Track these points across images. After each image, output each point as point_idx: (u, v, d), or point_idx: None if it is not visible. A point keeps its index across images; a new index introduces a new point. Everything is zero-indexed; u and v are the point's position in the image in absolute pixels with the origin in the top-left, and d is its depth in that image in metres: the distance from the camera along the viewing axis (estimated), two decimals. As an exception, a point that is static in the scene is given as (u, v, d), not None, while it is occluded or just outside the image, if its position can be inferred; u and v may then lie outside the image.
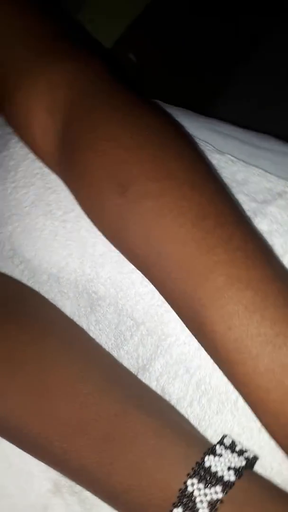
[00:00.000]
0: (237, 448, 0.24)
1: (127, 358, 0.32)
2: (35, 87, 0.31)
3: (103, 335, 0.34)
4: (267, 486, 0.23)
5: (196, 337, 0.25)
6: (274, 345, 0.21)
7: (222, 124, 0.38)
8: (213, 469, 0.23)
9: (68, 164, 0.30)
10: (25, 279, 0.38)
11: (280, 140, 0.36)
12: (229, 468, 0.23)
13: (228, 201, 0.26)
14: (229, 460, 0.23)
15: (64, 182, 0.34)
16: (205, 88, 0.98)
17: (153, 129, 0.27)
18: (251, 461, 0.24)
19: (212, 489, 0.22)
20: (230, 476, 0.22)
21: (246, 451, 0.24)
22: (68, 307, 0.36)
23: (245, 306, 0.22)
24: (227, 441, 0.25)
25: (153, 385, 0.30)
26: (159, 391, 0.30)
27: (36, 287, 0.37)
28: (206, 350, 0.25)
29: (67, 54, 0.31)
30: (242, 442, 0.26)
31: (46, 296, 0.36)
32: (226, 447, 0.24)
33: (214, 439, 0.27)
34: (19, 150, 0.41)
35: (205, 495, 0.22)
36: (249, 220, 0.28)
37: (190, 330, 0.26)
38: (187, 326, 0.26)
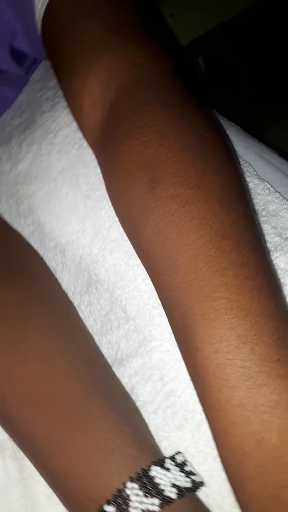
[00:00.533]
0: (186, 469, 0.24)
1: (108, 348, 0.32)
2: (97, 62, 0.30)
3: (91, 318, 0.33)
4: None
5: (180, 349, 0.25)
6: (254, 382, 0.21)
7: (271, 153, 0.37)
8: (156, 481, 0.22)
9: (107, 145, 0.30)
10: (32, 241, 0.38)
11: None
12: (173, 485, 0.22)
13: (252, 227, 0.25)
14: (175, 477, 0.23)
15: (98, 160, 0.34)
16: (264, 113, 0.97)
17: (199, 137, 0.27)
18: (196, 485, 0.24)
19: (150, 500, 0.22)
20: (171, 493, 0.22)
21: (194, 474, 0.24)
22: (65, 281, 0.35)
23: (238, 335, 0.22)
24: (179, 458, 0.24)
25: (125, 381, 0.30)
26: (128, 389, 0.29)
27: (40, 252, 0.37)
28: (186, 365, 0.24)
29: (138, 40, 0.31)
30: (194, 464, 0.25)
31: (48, 263, 0.36)
32: (176, 464, 0.24)
33: (167, 452, 0.26)
34: (64, 116, 0.41)
35: (141, 503, 0.22)
36: (268, 253, 0.28)
37: (176, 341, 0.25)
38: (174, 335, 0.26)
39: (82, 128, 0.35)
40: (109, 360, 0.31)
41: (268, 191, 0.33)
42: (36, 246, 0.37)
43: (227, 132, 0.40)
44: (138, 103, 0.29)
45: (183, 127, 0.27)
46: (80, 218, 0.37)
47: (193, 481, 0.23)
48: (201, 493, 0.25)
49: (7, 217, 0.39)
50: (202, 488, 0.25)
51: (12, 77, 0.47)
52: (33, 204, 0.39)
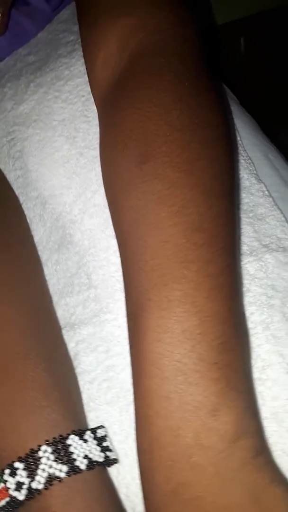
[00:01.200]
0: (104, 444, 0.24)
1: (64, 310, 0.32)
2: (121, 17, 0.29)
3: (55, 277, 0.33)
4: (109, 489, 0.23)
5: (128, 329, 0.25)
6: (186, 379, 0.21)
7: (277, 156, 0.36)
8: (71, 449, 0.22)
9: (110, 107, 0.29)
10: (16, 185, 0.36)
11: None
12: (85, 456, 0.23)
13: (229, 226, 0.24)
14: (90, 449, 0.23)
15: (99, 119, 0.32)
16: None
17: (203, 120, 0.25)
18: (109, 461, 0.24)
19: (59, 466, 0.22)
20: (81, 463, 0.22)
21: (110, 450, 0.24)
22: (39, 234, 0.35)
23: (184, 329, 0.21)
24: (99, 433, 0.25)
25: (71, 346, 0.30)
26: (72, 354, 0.29)
27: (21, 199, 0.36)
28: (130, 345, 0.24)
29: (168, 5, 0.29)
30: (114, 441, 0.26)
31: (26, 212, 0.35)
32: (95, 437, 0.24)
33: (92, 423, 0.26)
34: (80, 65, 0.39)
35: (50, 467, 0.22)
36: (239, 256, 0.27)
37: (127, 318, 0.25)
38: (126, 313, 0.25)
39: (91, 82, 0.34)
40: (62, 322, 0.31)
41: (262, 193, 0.32)
42: (18, 192, 0.36)
43: (241, 123, 0.38)
44: (150, 71, 0.27)
45: (189, 107, 0.26)
46: (69, 174, 0.36)
47: (106, 457, 0.24)
48: (113, 469, 0.25)
49: (-4, 156, 0.38)
50: (116, 465, 0.25)
51: (37, 11, 0.45)
52: (26, 148, 0.38)
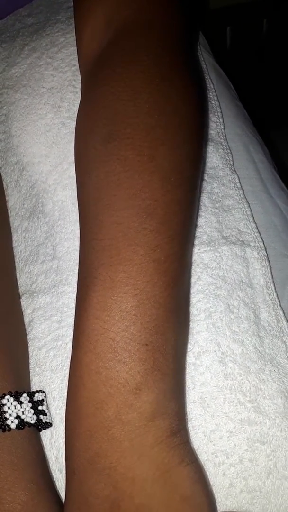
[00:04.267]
0: (40, 408, 0.25)
1: (26, 277, 0.32)
2: None
3: (23, 244, 0.34)
4: (36, 450, 0.24)
5: (75, 302, 0.26)
6: (115, 356, 0.21)
7: (257, 148, 0.36)
8: (4, 409, 0.24)
9: (90, 82, 0.29)
10: (-3, 149, 0.37)
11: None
12: (17, 417, 0.24)
13: (183, 214, 0.25)
14: (23, 411, 0.24)
15: (82, 91, 0.32)
16: (276, 107, 0.93)
17: (172, 104, 0.25)
18: (42, 425, 0.25)
19: (-11, 422, 0.23)
20: (12, 423, 0.24)
21: (45, 414, 0.26)
22: (13, 200, 0.35)
23: (121, 309, 0.22)
24: (37, 397, 0.26)
25: (27, 312, 0.31)
26: (26, 321, 0.30)
27: (0, 164, 0.36)
28: (74, 318, 0.25)
29: None
30: (52, 406, 0.27)
31: (3, 176, 0.36)
32: (30, 400, 0.25)
33: (35, 387, 0.28)
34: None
35: (-19, 422, 0.23)
36: (190, 245, 0.27)
37: (77, 291, 0.26)
38: (77, 287, 0.26)
39: (78, 53, 0.34)
40: (23, 289, 0.32)
41: (233, 185, 0.32)
42: (-2, 156, 0.37)
43: (228, 111, 0.38)
44: (128, 50, 0.27)
45: (159, 90, 0.26)
46: (49, 143, 0.36)
47: (39, 420, 0.25)
48: (48, 432, 0.26)
49: (-19, 117, 0.38)
50: (50, 429, 0.26)
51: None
52: (11, 112, 0.38)
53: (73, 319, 0.30)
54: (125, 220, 0.24)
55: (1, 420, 0.23)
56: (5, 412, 0.24)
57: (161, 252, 0.23)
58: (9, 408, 0.24)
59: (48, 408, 0.27)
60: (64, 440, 0.26)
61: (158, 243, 0.23)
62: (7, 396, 0.24)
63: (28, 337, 0.30)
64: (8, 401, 0.24)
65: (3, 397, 0.24)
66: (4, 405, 0.24)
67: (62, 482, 0.25)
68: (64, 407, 0.27)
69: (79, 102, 0.36)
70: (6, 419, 0.24)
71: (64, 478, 0.25)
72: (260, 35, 0.92)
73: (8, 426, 0.23)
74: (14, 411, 0.24)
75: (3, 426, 0.23)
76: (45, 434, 0.26)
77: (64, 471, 0.26)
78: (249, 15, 0.89)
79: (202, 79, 0.36)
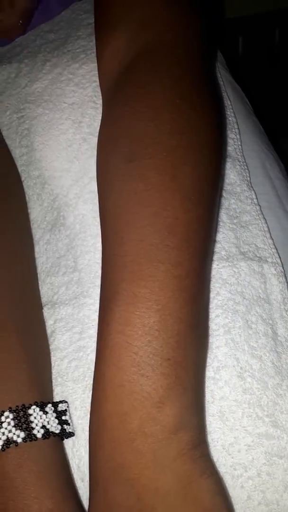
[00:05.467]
0: (63, 417, 0.26)
1: (48, 288, 0.33)
2: (133, 12, 0.30)
3: (44, 256, 0.35)
4: (60, 459, 0.25)
5: (98, 316, 0.26)
6: (138, 370, 0.22)
7: (274, 165, 0.36)
8: (31, 419, 0.25)
9: (111, 101, 0.30)
10: (19, 163, 0.38)
11: None
12: (43, 426, 0.25)
13: (203, 231, 0.26)
14: (48, 420, 0.25)
15: (102, 109, 0.33)
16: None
17: (192, 124, 0.26)
18: (66, 434, 0.26)
19: (17, 432, 0.24)
20: (38, 432, 0.24)
21: (68, 424, 0.26)
22: (35, 212, 0.36)
23: (143, 324, 0.23)
24: (60, 407, 0.27)
25: (49, 323, 0.32)
26: (49, 331, 0.31)
27: (23, 176, 0.37)
28: (97, 332, 0.26)
29: (179, 7, 0.30)
30: (74, 416, 0.28)
31: (26, 190, 0.37)
32: (55, 410, 0.26)
33: (57, 397, 0.29)
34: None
35: (9, 431, 0.24)
36: (210, 261, 0.28)
37: (99, 305, 0.27)
38: (100, 301, 0.27)
39: (99, 71, 0.35)
40: (45, 300, 0.33)
41: (251, 201, 0.33)
42: (21, 169, 0.38)
43: (245, 127, 0.39)
44: (149, 71, 0.28)
45: (180, 111, 0.27)
46: (70, 158, 0.37)
47: (63, 430, 0.26)
48: (70, 441, 0.27)
49: (5, 132, 0.39)
50: (72, 438, 0.27)
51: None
52: (34, 127, 0.39)
53: (94, 331, 0.31)
54: (147, 237, 0.25)
55: (28, 429, 0.24)
56: (31, 422, 0.25)
57: (182, 268, 0.24)
58: (35, 418, 0.25)
59: (70, 418, 0.27)
60: (86, 449, 0.27)
61: (179, 259, 0.24)
62: (33, 406, 0.25)
63: (50, 348, 0.31)
64: (34, 411, 0.25)
65: (29, 407, 0.25)
66: (31, 415, 0.25)
67: (84, 491, 0.26)
68: (86, 417, 0.28)
69: (100, 118, 0.37)
70: (33, 428, 0.24)
71: (86, 487, 0.26)
72: (272, 44, 0.93)
73: (35, 435, 0.24)
74: (40, 421, 0.25)
75: (30, 436, 0.24)
76: (67, 444, 0.27)
77: (86, 480, 0.26)
78: (261, 25, 0.90)
79: (220, 97, 0.37)
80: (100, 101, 0.38)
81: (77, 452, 0.27)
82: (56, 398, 0.29)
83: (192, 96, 0.28)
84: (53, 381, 0.29)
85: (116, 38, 0.31)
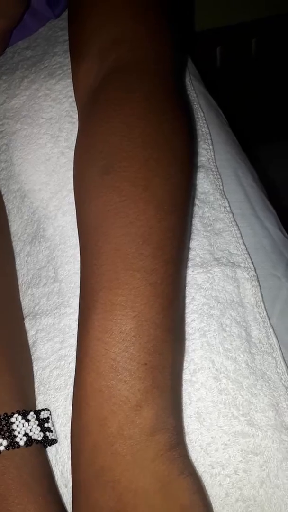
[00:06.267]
0: (46, 425, 0.27)
1: (29, 300, 0.34)
2: (105, 30, 0.31)
3: (25, 268, 0.35)
4: (43, 465, 0.26)
5: (77, 325, 0.27)
6: (117, 375, 0.23)
7: (246, 173, 0.38)
8: (13, 427, 0.25)
9: (86, 117, 0.31)
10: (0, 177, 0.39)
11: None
12: (25, 434, 0.25)
13: (177, 239, 0.27)
14: (31, 428, 0.26)
15: (78, 124, 0.35)
16: (267, 126, 0.96)
17: (164, 137, 0.28)
18: (48, 441, 0.27)
19: (0, 440, 0.25)
20: (20, 440, 0.25)
21: (51, 431, 0.27)
22: (16, 225, 0.37)
23: (121, 331, 0.24)
24: (43, 415, 0.27)
25: (31, 334, 0.32)
26: (31, 341, 0.32)
27: (2, 191, 0.38)
28: (77, 340, 0.27)
29: (151, 24, 0.31)
30: (56, 424, 0.28)
31: (6, 204, 0.38)
32: (37, 418, 0.27)
33: (40, 405, 0.29)
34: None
35: (-9, 440, 0.25)
36: (184, 267, 0.29)
37: (78, 314, 0.28)
38: (79, 310, 0.28)
39: (74, 87, 0.36)
40: (26, 311, 0.33)
41: (223, 209, 0.34)
42: (1, 184, 0.38)
43: (217, 137, 0.40)
44: (123, 87, 0.29)
45: (152, 125, 0.28)
46: (49, 171, 0.38)
47: (45, 437, 0.26)
48: (53, 448, 0.28)
49: (-16, 147, 0.40)
50: (56, 445, 0.28)
51: (41, 15, 0.47)
52: (13, 142, 0.40)
53: (75, 340, 0.31)
54: (123, 247, 0.26)
55: (11, 437, 0.25)
56: (14, 430, 0.25)
57: (157, 275, 0.25)
58: (17, 426, 0.25)
59: (53, 425, 0.28)
60: (68, 455, 0.28)
61: (154, 267, 0.25)
62: (16, 415, 0.26)
63: (32, 358, 0.31)
64: (16, 419, 0.25)
65: (11, 416, 0.25)
66: (13, 423, 0.25)
67: (68, 496, 0.27)
68: (68, 424, 0.29)
69: (76, 132, 0.38)
70: (15, 436, 0.25)
71: (70, 492, 0.27)
72: (249, 55, 0.96)
73: (17, 443, 0.25)
74: (22, 428, 0.25)
75: (12, 443, 0.25)
76: (50, 451, 0.28)
77: (69, 486, 0.27)
78: (238, 36, 0.92)
79: (191, 110, 0.39)
80: (76, 116, 0.39)
81: (60, 458, 0.28)
82: (39, 407, 0.29)
83: (163, 110, 0.29)
84: (36, 390, 0.30)
85: (89, 55, 0.33)
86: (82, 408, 0.24)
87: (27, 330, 0.32)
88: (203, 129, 0.39)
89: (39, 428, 0.26)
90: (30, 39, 0.48)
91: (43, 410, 0.28)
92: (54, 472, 0.27)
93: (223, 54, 0.93)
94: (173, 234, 0.26)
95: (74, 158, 0.32)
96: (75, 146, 0.33)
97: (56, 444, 0.28)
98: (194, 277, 0.30)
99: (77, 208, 0.30)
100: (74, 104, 0.40)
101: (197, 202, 0.35)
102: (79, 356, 0.25)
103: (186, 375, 0.27)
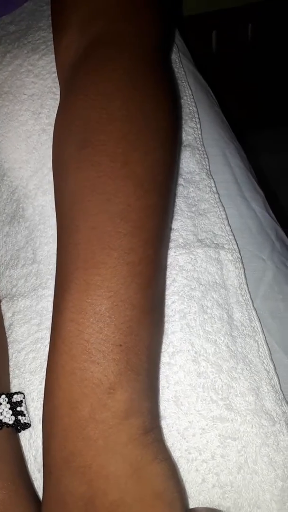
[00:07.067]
0: (18, 409, 0.26)
1: (7, 281, 0.33)
2: (84, 3, 0.29)
3: (4, 248, 0.34)
4: (14, 450, 0.25)
5: (53, 301, 0.26)
6: (90, 357, 0.22)
7: (234, 153, 0.37)
8: (-17, 410, 0.24)
9: (66, 90, 0.30)
10: (-22, 155, 0.37)
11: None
12: (-5, 418, 0.25)
13: (157, 218, 0.25)
14: (1, 412, 0.25)
15: (60, 98, 0.33)
16: (260, 112, 0.95)
17: (145, 111, 0.26)
18: (21, 425, 0.26)
19: None
20: (-11, 423, 0.24)
21: (24, 415, 0.26)
22: (-6, 205, 0.36)
23: (95, 311, 0.23)
24: (16, 398, 0.26)
25: (7, 316, 0.31)
26: (7, 323, 0.31)
27: (-18, 170, 0.37)
28: (52, 321, 0.26)
29: (133, 4, 0.30)
30: (30, 407, 0.27)
31: (-16, 182, 0.36)
32: (9, 401, 0.26)
33: (14, 388, 0.28)
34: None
35: None
36: (164, 247, 0.28)
37: (54, 294, 0.26)
38: (54, 290, 0.27)
39: (56, 62, 0.34)
40: (3, 292, 0.32)
41: (209, 189, 0.33)
42: (-20, 162, 0.37)
43: (206, 116, 0.39)
44: (101, 60, 0.28)
45: (132, 98, 0.26)
46: (30, 149, 0.37)
47: (17, 421, 0.25)
48: (27, 432, 0.27)
49: None
50: (29, 429, 0.27)
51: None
52: (-8, 119, 0.38)
53: (49, 323, 0.30)
54: (100, 225, 0.24)
55: (-21, 420, 0.24)
56: (-17, 413, 0.24)
57: (135, 255, 0.24)
58: (-13, 409, 0.24)
59: (27, 409, 0.27)
60: (42, 440, 0.27)
61: (132, 246, 0.24)
62: (-14, 398, 0.25)
63: (8, 340, 0.30)
64: (-14, 403, 0.25)
65: (-19, 399, 0.25)
66: (-18, 406, 0.24)
67: (41, 482, 0.26)
68: (41, 408, 0.28)
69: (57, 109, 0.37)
70: (-16, 420, 0.24)
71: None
72: (246, 39, 0.94)
73: (-14, 426, 0.24)
74: (-8, 412, 0.25)
75: (-19, 427, 0.24)
76: (24, 435, 0.27)
77: (42, 471, 0.26)
78: (234, 20, 0.90)
79: (175, 85, 0.37)
80: (59, 92, 0.38)
81: (34, 443, 0.27)
82: (13, 390, 0.28)
83: (144, 83, 0.27)
84: (11, 373, 0.29)
85: (69, 28, 0.31)
86: (53, 391, 0.23)
87: (3, 312, 0.31)
88: (190, 108, 0.38)
89: (10, 412, 0.25)
90: (15, 14, 0.46)
91: (16, 393, 0.27)
92: (28, 457, 0.26)
93: (218, 38, 0.91)
94: (153, 213, 0.25)
95: (54, 133, 0.31)
96: (55, 121, 0.31)
97: (30, 429, 0.27)
98: (176, 258, 0.29)
99: (55, 185, 0.29)
100: (57, 80, 0.38)
101: (182, 181, 0.33)
102: (52, 337, 0.24)
103: (164, 358, 0.26)
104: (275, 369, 0.27)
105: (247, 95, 0.96)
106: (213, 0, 0.86)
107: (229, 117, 0.42)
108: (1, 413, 0.25)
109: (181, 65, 0.42)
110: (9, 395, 0.26)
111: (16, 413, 0.26)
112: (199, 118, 0.38)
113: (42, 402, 0.28)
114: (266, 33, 0.92)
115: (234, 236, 0.31)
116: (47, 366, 0.24)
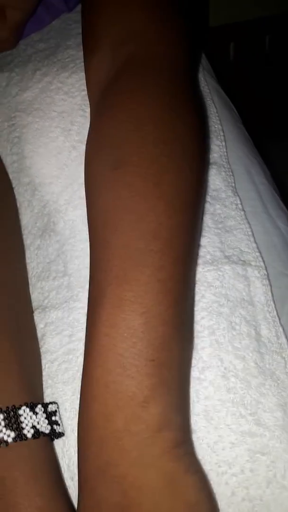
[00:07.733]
0: (53, 418, 0.27)
1: (39, 292, 0.34)
2: (118, 23, 0.30)
3: (35, 261, 0.35)
4: (50, 458, 0.26)
5: (87, 315, 0.27)
6: (124, 371, 0.23)
7: (258, 170, 0.37)
8: (21, 419, 0.25)
9: (97, 110, 0.31)
10: (10, 170, 0.39)
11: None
12: (33, 427, 0.26)
13: (187, 236, 0.26)
14: (38, 421, 0.26)
15: (91, 117, 0.34)
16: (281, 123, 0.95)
17: (176, 133, 0.27)
18: (55, 434, 0.27)
19: (7, 431, 0.25)
20: (28, 432, 0.25)
21: (58, 424, 0.27)
22: (26, 218, 0.37)
23: (128, 327, 0.24)
24: (50, 408, 0.27)
25: (40, 326, 0.32)
26: (39, 334, 0.32)
27: (14, 183, 0.38)
28: (85, 334, 0.27)
29: (165, 21, 0.31)
30: (64, 417, 0.28)
31: (16, 197, 0.38)
32: (45, 411, 0.27)
33: (48, 398, 0.29)
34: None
35: (0, 431, 0.25)
36: (193, 264, 0.29)
37: (87, 309, 0.28)
38: (88, 305, 0.28)
39: (87, 82, 0.36)
40: (36, 304, 0.34)
41: (235, 206, 0.34)
42: (12, 176, 0.38)
43: (230, 134, 0.40)
44: (133, 83, 0.29)
45: (163, 120, 0.28)
46: (60, 165, 0.38)
47: (53, 430, 0.26)
48: (60, 441, 0.28)
49: (-4, 139, 0.40)
50: (63, 438, 0.28)
51: (55, 7, 0.46)
52: (24, 135, 0.40)
53: (84, 334, 0.31)
54: (132, 242, 0.25)
55: (18, 429, 0.25)
56: (22, 422, 0.25)
57: (166, 272, 0.25)
58: (25, 418, 0.25)
59: (60, 418, 0.28)
60: (75, 449, 0.28)
61: (163, 263, 0.25)
62: (24, 407, 0.26)
63: (41, 351, 0.31)
64: (24, 412, 0.26)
65: (19, 408, 0.26)
66: (21, 415, 0.25)
67: (74, 489, 0.27)
68: (75, 418, 0.29)
69: (88, 126, 0.38)
70: (23, 428, 0.25)
71: (76, 485, 0.27)
72: (263, 51, 0.95)
73: (25, 435, 0.25)
74: (30, 421, 0.26)
75: (20, 435, 0.25)
76: (57, 444, 0.28)
77: (75, 479, 0.27)
78: (252, 32, 0.92)
79: (204, 107, 0.38)
80: (88, 110, 0.39)
81: (67, 452, 0.28)
82: (47, 400, 0.29)
83: (176, 105, 0.29)
84: (44, 383, 0.30)
85: (101, 49, 0.32)
86: (89, 402, 0.24)
87: (36, 323, 0.33)
88: (216, 126, 0.39)
89: (46, 421, 0.26)
90: (43, 32, 0.48)
91: (51, 403, 0.28)
92: (61, 465, 0.27)
93: (236, 50, 0.92)
94: (183, 231, 0.26)
95: (86, 152, 0.32)
96: (87, 141, 0.32)
97: (63, 438, 0.28)
98: (204, 274, 0.30)
99: (87, 203, 0.30)
100: (87, 98, 0.39)
101: (208, 199, 0.34)
102: (87, 350, 0.25)
103: (194, 373, 0.27)
104: (301, 385, 0.27)
105: (264, 106, 0.96)
106: (232, 13, 0.87)
107: (248, 128, 0.43)
108: (38, 422, 0.26)
109: (205, 83, 0.43)
110: (45, 405, 0.27)
111: (51, 423, 0.27)
112: (224, 136, 0.39)
113: (75, 412, 0.29)
114: (283, 45, 0.93)
115: (260, 253, 0.32)
116: (82, 378, 0.25)
